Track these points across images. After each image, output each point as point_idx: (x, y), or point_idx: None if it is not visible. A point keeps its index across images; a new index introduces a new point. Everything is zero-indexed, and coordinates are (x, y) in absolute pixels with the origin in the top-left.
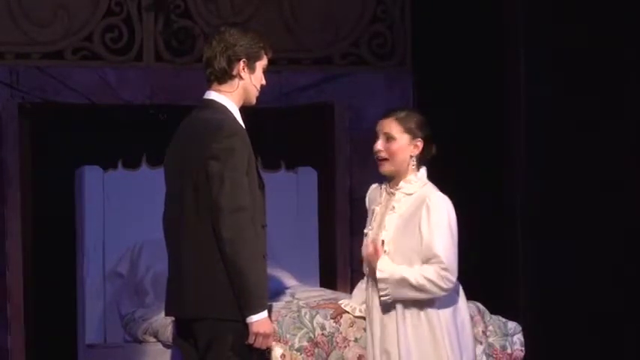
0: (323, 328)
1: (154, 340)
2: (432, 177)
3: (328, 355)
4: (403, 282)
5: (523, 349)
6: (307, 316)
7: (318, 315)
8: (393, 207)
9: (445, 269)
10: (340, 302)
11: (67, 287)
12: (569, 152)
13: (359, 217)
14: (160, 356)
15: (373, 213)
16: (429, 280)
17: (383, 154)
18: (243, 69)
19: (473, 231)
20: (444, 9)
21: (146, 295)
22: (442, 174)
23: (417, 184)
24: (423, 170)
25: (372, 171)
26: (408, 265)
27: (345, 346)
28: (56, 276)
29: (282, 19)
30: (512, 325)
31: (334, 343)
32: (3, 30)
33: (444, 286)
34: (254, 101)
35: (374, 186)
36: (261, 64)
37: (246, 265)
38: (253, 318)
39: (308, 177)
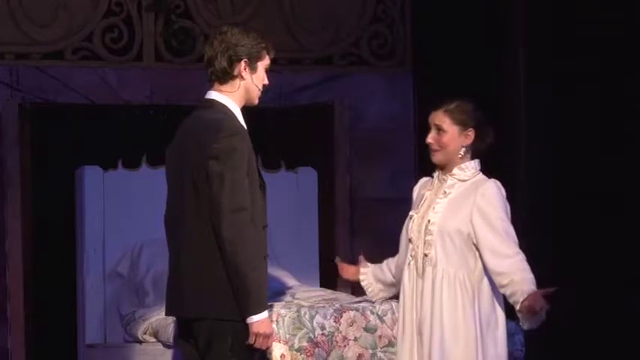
0: (323, 328)
1: (154, 340)
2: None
3: (328, 355)
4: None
5: (523, 349)
6: (307, 316)
7: (317, 315)
8: (445, 192)
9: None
10: (363, 275)
11: (67, 287)
12: (570, 152)
13: (359, 217)
14: (160, 356)
15: (423, 197)
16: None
17: (435, 146)
18: (245, 69)
19: None
20: (443, 9)
21: (146, 295)
22: None
23: (470, 172)
24: (477, 161)
25: (372, 171)
26: (449, 245)
27: (345, 346)
28: (56, 276)
29: (282, 19)
30: (512, 325)
31: (334, 343)
32: (3, 30)
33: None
34: (256, 101)
35: (425, 179)
36: (263, 64)
37: (246, 266)
38: (253, 318)
39: (308, 177)
